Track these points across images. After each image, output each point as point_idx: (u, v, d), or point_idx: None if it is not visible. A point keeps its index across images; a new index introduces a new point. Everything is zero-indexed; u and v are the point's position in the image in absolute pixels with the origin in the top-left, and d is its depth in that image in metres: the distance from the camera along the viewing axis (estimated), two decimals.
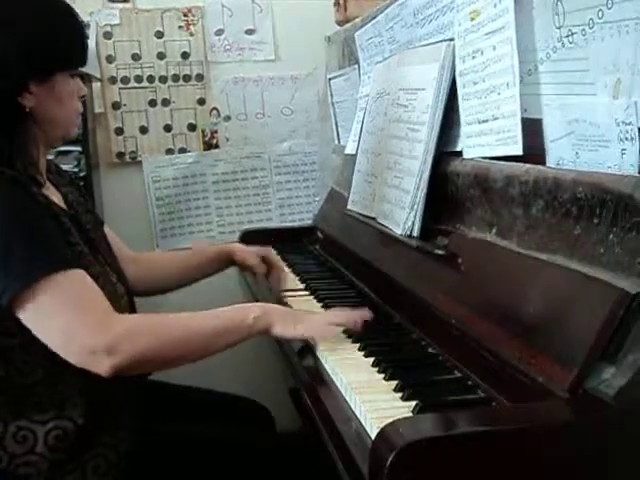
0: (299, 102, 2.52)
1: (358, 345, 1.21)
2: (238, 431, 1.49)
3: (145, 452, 1.27)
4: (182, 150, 2.45)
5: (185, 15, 2.40)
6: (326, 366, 1.16)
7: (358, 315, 1.25)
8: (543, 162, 1.07)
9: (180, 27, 2.40)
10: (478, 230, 1.19)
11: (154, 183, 2.43)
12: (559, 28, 1.02)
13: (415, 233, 1.34)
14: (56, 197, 1.27)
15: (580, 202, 0.92)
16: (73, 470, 1.18)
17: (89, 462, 1.19)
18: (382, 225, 1.49)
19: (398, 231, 1.38)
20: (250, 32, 2.46)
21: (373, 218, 1.56)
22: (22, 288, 1.07)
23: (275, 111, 2.51)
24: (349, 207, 1.74)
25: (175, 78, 2.42)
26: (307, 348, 1.23)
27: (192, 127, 2.45)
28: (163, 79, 2.41)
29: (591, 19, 0.95)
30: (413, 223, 1.34)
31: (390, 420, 0.79)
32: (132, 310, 1.37)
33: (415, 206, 1.33)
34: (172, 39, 2.40)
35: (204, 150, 2.47)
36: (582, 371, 0.81)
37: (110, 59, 2.37)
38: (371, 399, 0.99)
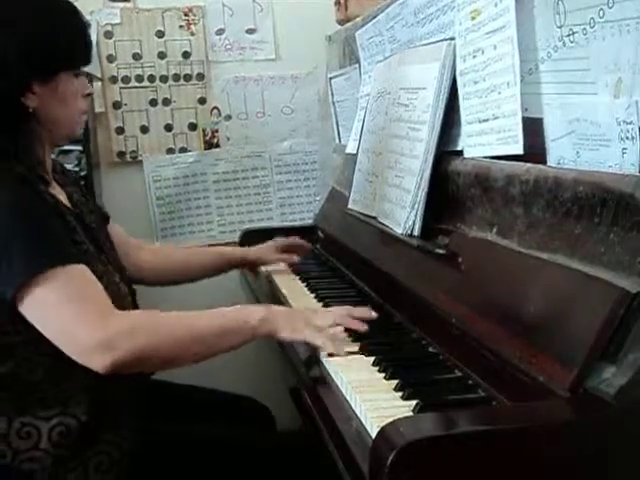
0: (300, 101, 2.52)
1: (359, 344, 1.21)
2: (239, 430, 1.49)
3: (147, 450, 1.27)
4: (183, 149, 2.45)
5: (186, 14, 2.40)
6: (326, 365, 1.16)
7: (362, 314, 1.25)
8: (544, 161, 1.07)
9: (181, 26, 2.40)
10: (479, 229, 1.18)
11: (155, 182, 2.43)
12: (560, 27, 1.02)
13: (416, 232, 1.34)
14: (62, 196, 1.28)
15: (581, 201, 0.92)
16: (76, 467, 1.19)
17: (92, 459, 1.20)
18: (383, 224, 1.49)
19: (399, 230, 1.38)
20: (251, 31, 2.46)
21: (374, 217, 1.56)
22: (24, 282, 1.08)
23: (276, 110, 2.50)
24: (350, 206, 1.74)
25: (176, 77, 2.41)
26: (308, 348, 1.23)
27: (193, 126, 2.45)
28: (164, 78, 2.41)
29: (592, 18, 0.95)
30: (414, 222, 1.34)
31: (390, 419, 0.79)
32: (135, 310, 1.37)
33: (416, 205, 1.33)
34: (173, 38, 2.40)
35: (205, 149, 2.46)
36: (583, 370, 0.81)
37: (111, 58, 2.37)
38: (371, 398, 0.99)
